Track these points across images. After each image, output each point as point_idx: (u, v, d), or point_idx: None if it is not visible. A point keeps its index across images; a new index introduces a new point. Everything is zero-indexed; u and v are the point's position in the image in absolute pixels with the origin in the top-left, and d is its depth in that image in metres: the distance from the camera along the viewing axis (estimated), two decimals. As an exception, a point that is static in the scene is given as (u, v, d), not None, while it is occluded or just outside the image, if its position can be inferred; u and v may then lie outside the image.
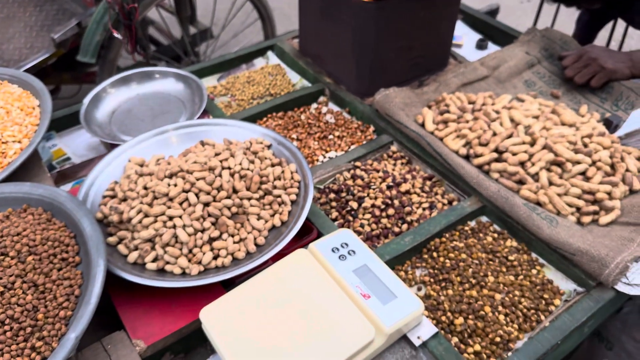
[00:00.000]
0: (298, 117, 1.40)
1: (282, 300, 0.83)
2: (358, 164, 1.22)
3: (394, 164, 1.24)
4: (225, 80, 1.56)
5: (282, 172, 1.05)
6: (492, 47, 1.67)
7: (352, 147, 1.29)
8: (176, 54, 2.63)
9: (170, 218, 0.91)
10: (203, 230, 0.91)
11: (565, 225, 1.02)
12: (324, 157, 1.26)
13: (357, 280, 0.88)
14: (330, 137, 1.33)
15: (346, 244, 0.93)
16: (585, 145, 1.16)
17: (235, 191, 0.97)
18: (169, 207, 0.92)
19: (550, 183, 1.09)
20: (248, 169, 1.02)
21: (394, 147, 1.28)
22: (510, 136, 1.15)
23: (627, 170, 1.14)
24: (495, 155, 1.13)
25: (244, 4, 2.62)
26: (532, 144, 1.14)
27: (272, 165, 1.07)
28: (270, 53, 1.63)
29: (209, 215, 0.92)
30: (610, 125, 1.29)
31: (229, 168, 1.01)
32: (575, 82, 1.41)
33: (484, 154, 1.14)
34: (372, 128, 1.35)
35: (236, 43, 2.99)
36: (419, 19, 1.32)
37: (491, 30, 1.72)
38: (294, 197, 1.02)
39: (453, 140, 1.20)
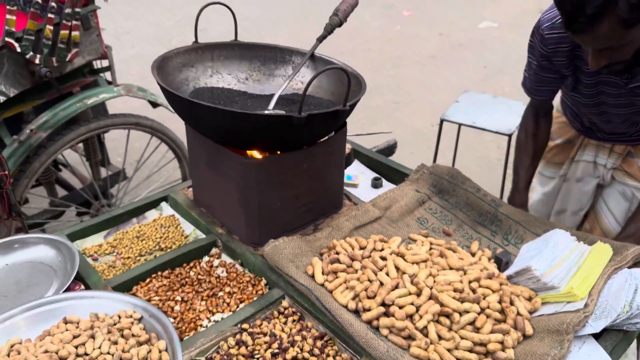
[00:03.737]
0: (187, 273, 1.32)
1: None
2: (246, 326, 1.14)
3: (285, 322, 1.16)
4: (112, 236, 1.48)
5: (149, 352, 0.94)
6: (387, 185, 1.71)
7: (241, 305, 1.21)
8: (85, 199, 2.55)
9: None
10: None
11: (457, 385, 0.96)
12: (209, 320, 1.17)
13: None
14: (220, 294, 1.25)
15: None
16: (474, 291, 1.14)
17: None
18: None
19: (440, 337, 1.04)
20: (108, 353, 0.91)
21: (285, 303, 1.21)
22: (396, 287, 1.12)
23: (518, 314, 1.12)
24: (382, 309, 1.09)
25: (158, 145, 2.62)
26: (419, 294, 1.11)
27: (139, 344, 0.96)
28: (163, 204, 1.59)
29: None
30: (501, 263, 1.29)
31: (86, 354, 0.90)
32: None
33: (371, 307, 1.09)
34: (263, 281, 1.28)
35: (149, 184, 2.95)
36: (302, 170, 1.33)
37: (384, 169, 1.78)
38: (160, 382, 0.91)
39: (342, 292, 1.15)
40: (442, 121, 2.53)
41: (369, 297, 1.12)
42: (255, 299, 1.23)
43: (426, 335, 1.05)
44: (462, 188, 1.55)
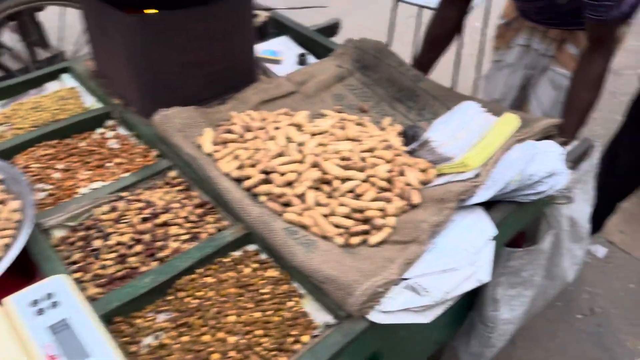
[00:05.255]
0: (76, 144, 1.25)
1: None
2: (125, 194, 1.09)
3: (168, 192, 1.11)
4: (10, 107, 1.39)
5: (-1, 211, 0.90)
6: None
7: (125, 175, 1.16)
8: None
9: None
10: None
11: (325, 249, 0.93)
12: (89, 189, 1.12)
13: (51, 338, 0.74)
14: (109, 165, 1.19)
15: (51, 294, 0.79)
16: (364, 160, 1.08)
17: None
18: None
19: (318, 204, 1.00)
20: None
21: (173, 173, 1.15)
22: (281, 155, 1.06)
23: (408, 184, 1.07)
24: (262, 176, 1.03)
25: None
26: (303, 162, 1.05)
27: (-9, 204, 0.91)
28: (65, 75, 1.48)
29: None
30: (407, 136, 1.23)
31: None
32: None
33: (253, 175, 1.04)
34: (155, 152, 1.22)
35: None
36: (199, 33, 1.22)
37: (317, 47, 1.65)
38: (7, 240, 0.87)
39: (228, 162, 1.09)
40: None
41: (252, 166, 1.06)
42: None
43: (304, 202, 1.01)
44: (386, 63, 1.45)
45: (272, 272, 0.95)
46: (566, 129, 1.29)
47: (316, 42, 1.64)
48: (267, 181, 1.04)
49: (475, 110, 1.18)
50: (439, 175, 1.11)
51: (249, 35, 1.36)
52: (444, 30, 1.56)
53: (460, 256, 0.92)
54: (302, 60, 1.60)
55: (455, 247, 0.94)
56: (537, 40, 1.68)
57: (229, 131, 1.16)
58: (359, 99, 1.41)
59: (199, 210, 1.06)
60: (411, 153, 1.19)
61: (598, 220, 2.06)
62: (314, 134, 1.16)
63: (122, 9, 1.16)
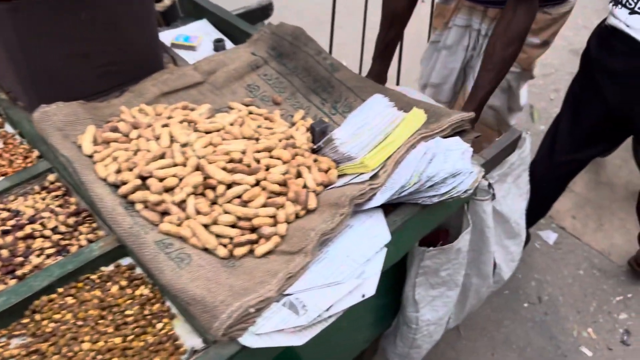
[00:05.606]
0: (-48, 145, 1.13)
1: None
2: (-5, 202, 0.98)
3: (45, 198, 1.01)
4: None
5: None
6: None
7: (1, 179, 1.05)
8: None
9: None
10: None
11: (199, 264, 0.84)
12: (-45, 196, 1.01)
13: None
14: (-14, 168, 1.08)
15: None
16: (258, 161, 0.99)
17: None
18: None
19: (199, 212, 0.91)
20: None
21: (51, 177, 1.05)
22: (162, 157, 0.96)
23: (305, 187, 0.98)
24: (138, 182, 0.94)
25: None
26: (185, 165, 0.96)
27: None
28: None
29: None
30: (314, 133, 1.14)
31: None
32: None
33: (129, 180, 0.94)
34: (36, 153, 1.11)
35: None
36: (82, 21, 1.10)
37: (234, 31, 1.54)
38: None
39: (106, 165, 0.99)
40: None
41: (130, 170, 0.96)
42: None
43: (184, 210, 0.91)
44: (303, 50, 1.35)
45: (143, 290, 0.86)
46: (480, 85, 1.23)
47: (236, 27, 1.53)
48: (145, 186, 0.94)
49: (382, 105, 1.09)
50: (341, 175, 1.03)
51: (147, 22, 1.24)
52: (396, 10, 1.46)
53: (347, 267, 0.85)
54: (218, 47, 1.48)
55: (344, 257, 0.87)
56: (476, 20, 1.60)
57: (115, 129, 1.05)
58: (274, 89, 1.31)
59: (72, 220, 0.96)
60: (318, 151, 1.10)
61: (542, 207, 2.01)
62: (209, 132, 1.06)
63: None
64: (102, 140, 1.04)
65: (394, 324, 1.41)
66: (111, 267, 0.90)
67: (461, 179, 0.95)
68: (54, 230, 0.93)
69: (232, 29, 1.54)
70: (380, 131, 1.03)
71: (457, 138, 1.04)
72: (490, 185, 1.16)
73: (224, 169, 0.94)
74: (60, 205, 0.99)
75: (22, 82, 1.14)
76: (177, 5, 1.40)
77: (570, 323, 2.06)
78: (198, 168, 0.94)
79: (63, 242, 0.92)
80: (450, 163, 0.95)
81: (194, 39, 1.49)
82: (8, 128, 1.20)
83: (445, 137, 1.06)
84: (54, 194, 1.02)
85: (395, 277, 1.23)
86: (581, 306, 2.11)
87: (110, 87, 1.25)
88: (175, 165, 0.95)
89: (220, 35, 1.54)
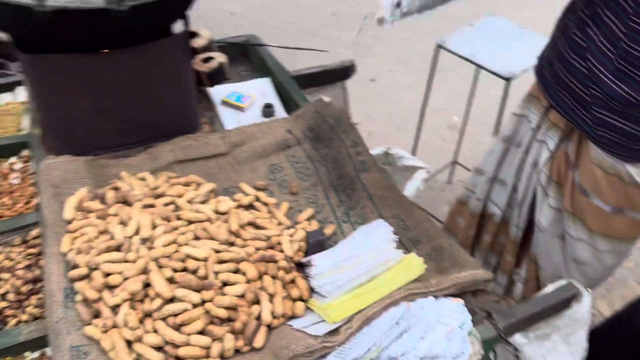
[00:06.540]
0: (-25, 173, 1.19)
1: None
2: (-25, 247, 1.00)
3: (20, 254, 1.00)
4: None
5: None
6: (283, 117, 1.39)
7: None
8: None
9: None
10: None
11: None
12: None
13: None
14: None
15: None
16: (216, 275, 0.88)
17: None
18: None
19: (126, 324, 0.82)
20: None
21: (34, 232, 1.04)
22: (117, 249, 0.89)
23: (258, 318, 0.85)
24: (86, 271, 0.87)
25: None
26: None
27: None
28: (20, 89, 1.44)
29: None
30: (309, 245, 0.99)
31: None
32: None
33: (80, 265, 0.89)
34: (37, 200, 1.11)
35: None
36: (102, 78, 1.09)
37: (289, 97, 1.44)
38: None
39: (73, 239, 0.95)
40: (438, 47, 2.03)
41: (87, 253, 0.91)
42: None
43: (117, 315, 0.83)
44: (340, 138, 1.21)
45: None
46: None
47: (289, 94, 1.43)
48: (90, 277, 0.88)
49: (383, 236, 0.91)
50: (308, 309, 0.88)
51: (180, 82, 1.20)
52: None
53: None
54: (266, 113, 1.40)
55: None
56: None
57: (102, 197, 1.01)
58: (297, 175, 1.19)
59: (27, 288, 0.93)
60: (304, 267, 0.96)
61: None
62: (191, 222, 0.98)
63: (25, 48, 1.06)
64: (85, 207, 1.00)
65: None
66: (36, 355, 0.85)
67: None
68: (3, 296, 0.91)
69: (287, 94, 1.45)
70: (367, 271, 0.86)
71: (459, 303, 0.83)
72: (516, 349, 0.93)
73: (171, 278, 0.84)
74: (28, 266, 0.97)
75: (45, 126, 1.16)
76: (226, 68, 1.34)
77: None
78: (145, 271, 0.85)
79: (6, 312, 0.89)
80: (428, 343, 0.75)
81: (246, 99, 1.42)
82: (33, 164, 1.23)
83: (447, 295, 0.86)
84: (29, 250, 1.00)
85: None
86: None
87: (133, 142, 1.23)
88: (126, 261, 0.87)
89: (274, 99, 1.45)
